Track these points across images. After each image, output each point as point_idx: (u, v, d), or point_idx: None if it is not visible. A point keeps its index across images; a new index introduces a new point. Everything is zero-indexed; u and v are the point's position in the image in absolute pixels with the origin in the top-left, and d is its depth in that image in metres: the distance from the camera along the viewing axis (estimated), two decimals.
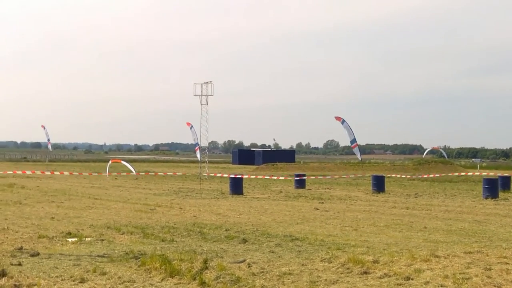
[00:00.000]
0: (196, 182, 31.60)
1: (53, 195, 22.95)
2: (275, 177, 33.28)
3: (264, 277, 7.44)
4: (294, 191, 26.97)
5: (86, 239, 11.48)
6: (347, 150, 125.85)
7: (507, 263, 7.95)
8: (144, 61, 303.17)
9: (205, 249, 9.88)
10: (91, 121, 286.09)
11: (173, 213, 16.89)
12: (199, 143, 43.96)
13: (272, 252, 9.48)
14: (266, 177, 33.87)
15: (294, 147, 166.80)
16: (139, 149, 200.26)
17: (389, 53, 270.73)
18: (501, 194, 23.24)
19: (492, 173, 34.95)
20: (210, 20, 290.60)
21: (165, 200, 21.22)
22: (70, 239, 11.42)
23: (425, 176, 38.32)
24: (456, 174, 39.63)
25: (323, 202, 20.95)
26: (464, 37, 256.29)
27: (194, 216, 16.19)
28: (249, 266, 8.06)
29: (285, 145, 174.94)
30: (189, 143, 63.28)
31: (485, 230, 13.20)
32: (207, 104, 38.59)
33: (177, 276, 7.54)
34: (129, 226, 13.50)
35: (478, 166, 61.66)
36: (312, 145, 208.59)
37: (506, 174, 30.35)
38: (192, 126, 46.34)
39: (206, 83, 38.35)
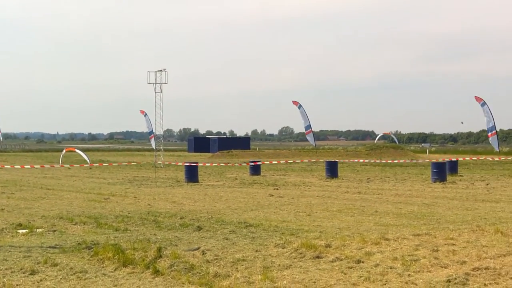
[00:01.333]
0: (151, 171, 31.33)
1: (3, 186, 22.33)
2: (230, 164, 33.32)
3: (218, 264, 7.50)
4: (249, 178, 27.10)
5: (38, 230, 11.25)
6: (302, 137, 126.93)
7: (453, 244, 8.28)
8: (97, 49, 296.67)
9: (159, 237, 9.85)
10: (43, 110, 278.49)
11: (128, 202, 16.73)
12: (153, 131, 43.52)
13: (227, 239, 9.55)
14: (221, 165, 33.89)
15: (249, 134, 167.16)
16: (93, 138, 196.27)
17: (342, 40, 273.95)
18: (449, 178, 24.05)
19: (446, 157, 36.03)
20: (164, 7, 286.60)
21: (120, 189, 20.97)
22: (20, 231, 11.17)
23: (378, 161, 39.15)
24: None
25: (277, 189, 21.14)
26: (413, 26, 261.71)
27: (149, 204, 16.09)
28: (203, 254, 8.10)
29: (240, 132, 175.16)
30: (144, 131, 62.46)
31: (433, 213, 13.64)
32: (161, 92, 38.18)
33: (130, 266, 7.51)
34: (82, 216, 13.30)
35: (427, 150, 63.33)
36: (267, 132, 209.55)
37: (453, 159, 31.37)
38: (146, 114, 45.82)
39: (160, 71, 37.91)
